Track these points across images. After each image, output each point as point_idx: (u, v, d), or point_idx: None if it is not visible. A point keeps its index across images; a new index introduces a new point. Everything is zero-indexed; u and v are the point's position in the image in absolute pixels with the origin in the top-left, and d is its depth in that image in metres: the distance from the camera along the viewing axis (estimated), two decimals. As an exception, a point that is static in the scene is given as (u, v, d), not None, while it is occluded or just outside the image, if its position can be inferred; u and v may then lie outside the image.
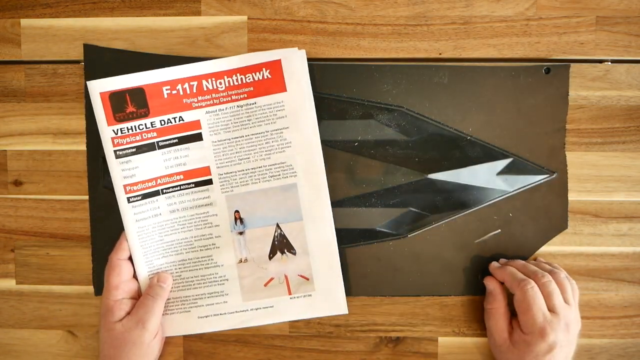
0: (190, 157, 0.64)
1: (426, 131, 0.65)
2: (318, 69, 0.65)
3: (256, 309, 0.65)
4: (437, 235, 0.66)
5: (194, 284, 0.65)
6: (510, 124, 0.65)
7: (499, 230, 0.66)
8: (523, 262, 0.64)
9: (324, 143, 0.65)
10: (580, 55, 0.65)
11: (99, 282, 0.67)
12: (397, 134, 0.65)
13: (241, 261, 0.65)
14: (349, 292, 0.66)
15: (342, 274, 0.65)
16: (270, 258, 0.65)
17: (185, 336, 0.68)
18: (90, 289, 0.68)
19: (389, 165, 0.65)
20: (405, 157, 0.65)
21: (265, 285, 0.65)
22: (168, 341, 0.68)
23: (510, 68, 0.65)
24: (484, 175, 0.65)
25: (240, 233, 0.65)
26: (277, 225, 0.65)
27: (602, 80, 0.66)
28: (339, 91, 0.65)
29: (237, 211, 0.64)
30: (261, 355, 0.68)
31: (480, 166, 0.64)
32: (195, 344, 0.68)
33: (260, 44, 0.66)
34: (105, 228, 0.66)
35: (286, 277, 0.65)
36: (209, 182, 0.64)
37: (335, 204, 0.65)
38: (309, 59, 0.65)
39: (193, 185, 0.64)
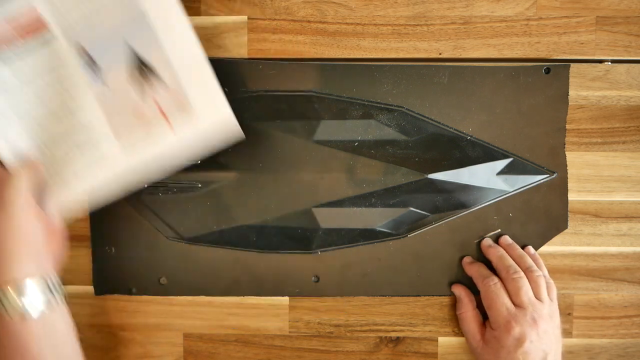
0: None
1: (426, 131, 0.65)
2: (318, 69, 0.65)
3: (139, 156, 0.58)
4: (437, 235, 0.66)
5: (64, 152, 0.58)
6: (510, 124, 0.65)
7: (499, 230, 0.66)
8: (501, 253, 0.64)
9: (324, 143, 0.65)
10: (580, 55, 0.65)
11: (99, 282, 0.67)
12: (397, 134, 0.65)
13: (101, 99, 0.58)
14: (349, 292, 0.67)
15: (343, 273, 0.65)
16: (132, 86, 0.58)
17: (185, 336, 0.68)
18: (90, 289, 0.68)
19: (389, 165, 0.65)
20: (405, 157, 0.65)
21: (137, 117, 0.58)
22: (168, 341, 0.68)
23: (510, 68, 0.65)
24: (484, 175, 0.65)
25: (92, 70, 0.57)
26: (127, 45, 0.57)
27: (602, 80, 0.66)
28: (339, 91, 0.65)
29: (82, 48, 0.57)
30: (261, 355, 0.68)
31: (480, 166, 0.65)
32: (195, 344, 0.68)
33: (260, 44, 0.66)
34: (105, 228, 0.66)
35: (157, 103, 0.58)
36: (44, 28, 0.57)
37: (336, 203, 0.65)
38: (309, 59, 0.65)
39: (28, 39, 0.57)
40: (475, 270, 0.64)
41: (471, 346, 0.64)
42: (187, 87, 0.58)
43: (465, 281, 0.66)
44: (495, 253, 0.64)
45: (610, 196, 0.66)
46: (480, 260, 0.66)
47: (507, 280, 0.62)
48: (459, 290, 0.66)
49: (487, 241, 0.66)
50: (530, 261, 0.63)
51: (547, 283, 0.63)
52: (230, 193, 0.65)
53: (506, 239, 0.66)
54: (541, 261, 0.65)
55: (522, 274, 0.62)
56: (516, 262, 0.63)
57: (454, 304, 0.67)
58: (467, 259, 0.66)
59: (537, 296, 0.61)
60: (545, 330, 0.60)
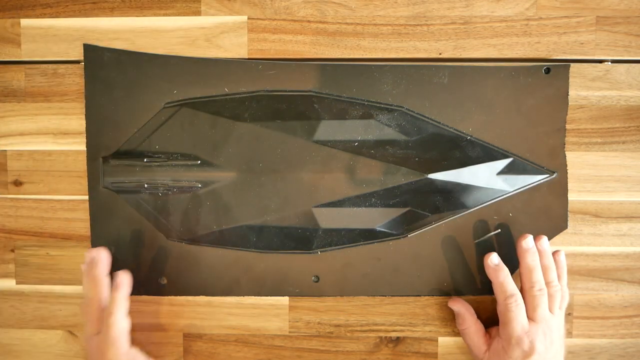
0: None
1: (426, 131, 0.65)
2: (318, 68, 0.65)
3: None
4: (437, 235, 0.66)
5: None
6: (510, 123, 0.65)
7: (499, 230, 0.66)
8: (535, 264, 0.61)
9: (324, 143, 0.65)
10: (580, 55, 0.65)
11: (99, 282, 0.67)
12: (397, 133, 0.65)
13: None
14: (349, 292, 0.67)
15: (343, 273, 0.66)
16: None
17: (185, 336, 0.68)
18: (90, 289, 0.68)
19: (389, 165, 0.64)
20: (405, 157, 0.65)
21: None
22: (168, 341, 0.68)
23: (510, 68, 0.65)
24: (484, 175, 0.65)
25: None
26: None
27: (602, 80, 0.66)
28: (339, 91, 0.65)
29: None
30: (261, 355, 0.68)
31: (480, 166, 0.64)
32: (195, 344, 0.68)
33: (260, 44, 0.66)
34: (105, 228, 0.67)
35: None
36: None
37: (336, 204, 0.65)
38: (309, 59, 0.65)
39: None
40: (499, 281, 0.62)
41: (476, 358, 0.64)
42: None
43: (466, 282, 0.66)
44: (529, 261, 0.61)
45: (610, 196, 0.66)
46: (480, 253, 0.66)
47: (528, 294, 0.61)
48: (458, 306, 0.65)
49: (527, 243, 0.62)
50: (553, 276, 0.62)
51: (562, 293, 0.62)
52: (230, 193, 0.65)
53: (544, 243, 0.63)
54: (565, 269, 0.64)
55: (544, 290, 0.61)
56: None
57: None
58: (493, 259, 0.62)
59: (551, 310, 0.61)
60: (552, 341, 0.60)
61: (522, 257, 0.62)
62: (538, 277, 0.62)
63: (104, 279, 0.62)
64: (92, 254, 0.63)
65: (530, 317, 0.61)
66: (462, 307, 0.65)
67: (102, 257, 0.63)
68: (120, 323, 0.60)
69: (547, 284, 0.62)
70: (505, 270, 0.62)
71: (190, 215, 0.66)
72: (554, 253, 0.64)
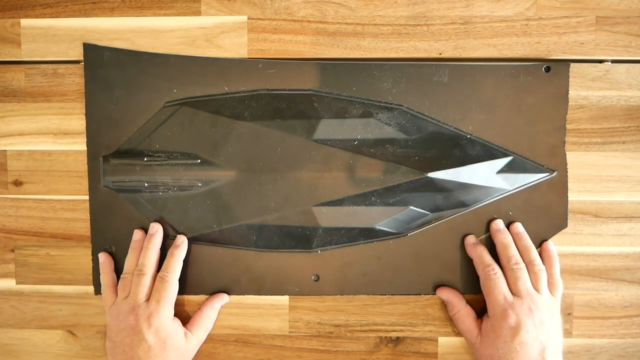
0: None
1: (426, 130, 0.65)
2: (318, 67, 0.65)
3: None
4: (437, 234, 0.66)
5: None
6: (510, 122, 0.65)
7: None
8: (507, 241, 0.64)
9: (324, 142, 0.65)
10: (580, 55, 0.66)
11: (99, 282, 0.66)
12: (397, 132, 0.65)
13: None
14: (349, 291, 0.67)
15: (343, 272, 0.66)
16: None
17: (185, 336, 0.68)
18: (90, 289, 0.68)
19: (389, 164, 0.64)
20: (405, 155, 0.65)
21: None
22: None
23: (510, 66, 0.65)
24: (484, 174, 0.65)
25: None
26: None
27: (602, 80, 0.66)
28: (339, 90, 0.65)
29: None
30: (261, 355, 0.68)
31: (480, 165, 0.64)
32: (195, 344, 0.68)
33: (260, 44, 0.66)
34: (105, 228, 0.67)
35: None
36: None
37: (335, 202, 0.65)
38: (309, 59, 0.65)
39: None
40: (477, 254, 0.64)
41: (470, 342, 0.64)
42: None
43: (465, 281, 0.66)
44: (501, 240, 0.64)
45: (610, 196, 0.66)
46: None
47: (506, 270, 0.63)
48: (446, 293, 0.66)
49: (498, 224, 0.65)
50: (534, 255, 0.63)
51: (554, 280, 0.63)
52: (230, 192, 0.65)
53: (517, 227, 0.65)
54: (556, 258, 0.65)
55: (522, 265, 0.62)
56: (520, 253, 0.64)
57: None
58: (471, 239, 0.66)
59: (536, 288, 0.62)
60: (541, 320, 0.60)
61: (494, 237, 0.65)
62: (512, 252, 0.63)
63: (159, 250, 0.65)
64: (156, 227, 0.66)
65: (513, 292, 0.62)
66: (450, 294, 0.66)
67: (162, 231, 0.66)
68: (175, 285, 0.64)
69: (529, 263, 0.63)
70: (482, 246, 0.65)
71: (190, 214, 0.66)
72: (542, 244, 0.66)
